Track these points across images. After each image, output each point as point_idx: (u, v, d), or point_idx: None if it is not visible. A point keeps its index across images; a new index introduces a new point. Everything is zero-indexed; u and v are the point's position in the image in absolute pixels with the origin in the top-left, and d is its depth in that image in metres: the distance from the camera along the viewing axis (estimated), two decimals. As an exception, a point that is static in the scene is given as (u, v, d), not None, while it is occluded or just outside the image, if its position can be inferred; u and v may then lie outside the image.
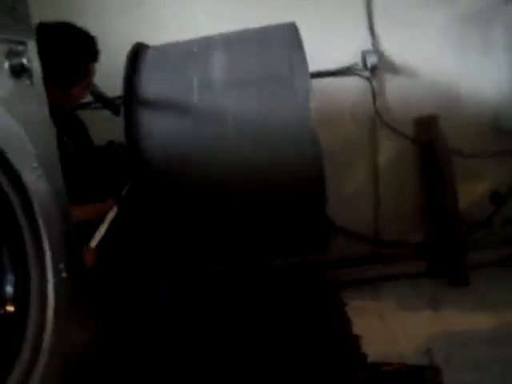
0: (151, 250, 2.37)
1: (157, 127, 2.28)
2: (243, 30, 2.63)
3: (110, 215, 2.30)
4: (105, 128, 2.81)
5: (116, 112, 2.40)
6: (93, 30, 3.42)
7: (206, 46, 2.50)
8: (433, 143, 3.63)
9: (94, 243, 2.15)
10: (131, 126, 2.25)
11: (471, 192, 3.83)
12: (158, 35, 3.36)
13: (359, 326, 3.25)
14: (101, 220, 2.24)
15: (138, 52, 2.49)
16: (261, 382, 2.61)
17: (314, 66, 3.51)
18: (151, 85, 2.35)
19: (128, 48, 3.30)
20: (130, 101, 2.29)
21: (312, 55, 3.54)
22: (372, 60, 3.53)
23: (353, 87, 3.66)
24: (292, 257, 3.05)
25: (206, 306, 2.90)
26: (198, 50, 2.48)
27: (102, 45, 3.29)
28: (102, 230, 2.22)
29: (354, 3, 3.55)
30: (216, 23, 3.42)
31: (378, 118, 3.68)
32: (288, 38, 2.43)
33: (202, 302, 2.88)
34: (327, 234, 2.64)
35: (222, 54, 2.41)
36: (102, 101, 2.41)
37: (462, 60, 3.62)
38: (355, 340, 3.06)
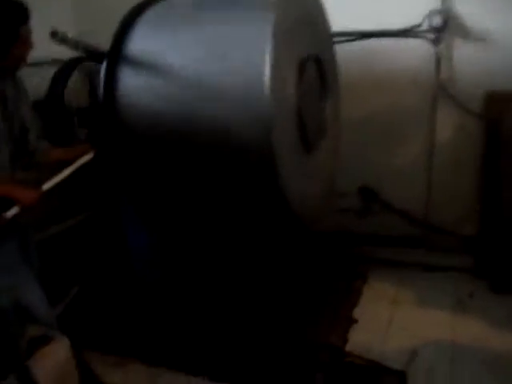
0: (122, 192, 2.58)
1: (133, 84, 2.40)
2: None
3: (82, 160, 2.45)
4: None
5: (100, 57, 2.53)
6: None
7: (196, 5, 2.49)
8: (501, 123, 3.08)
9: (46, 186, 2.28)
10: (110, 82, 2.41)
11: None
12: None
13: (366, 309, 3.09)
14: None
15: (140, 8, 2.57)
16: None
17: (374, 24, 3.27)
18: (138, 42, 2.44)
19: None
20: (114, 56, 2.43)
21: (373, 13, 3.28)
22: (436, 21, 3.06)
23: (416, 51, 3.24)
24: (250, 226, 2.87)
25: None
26: (190, 12, 2.48)
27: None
28: (64, 174, 2.36)
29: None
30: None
31: (440, 88, 3.22)
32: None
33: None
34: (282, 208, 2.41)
35: (207, 16, 2.37)
36: (88, 53, 2.55)
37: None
38: (347, 323, 2.93)
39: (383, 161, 3.51)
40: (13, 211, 2.13)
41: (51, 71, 3.01)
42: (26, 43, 2.14)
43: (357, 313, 3.06)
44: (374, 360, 2.57)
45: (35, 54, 2.35)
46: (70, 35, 2.33)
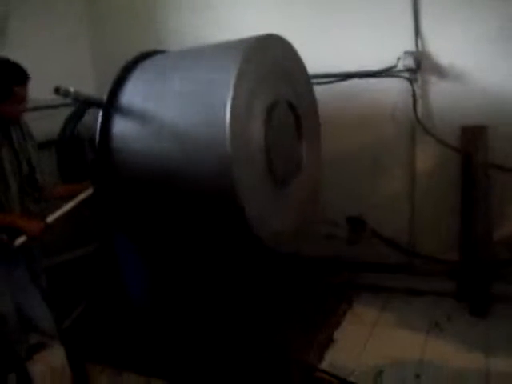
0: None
1: (124, 131, 2.80)
2: (222, 42, 2.90)
3: (82, 195, 2.82)
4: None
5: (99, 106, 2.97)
6: (167, 27, 4.08)
7: (180, 57, 2.88)
8: (474, 155, 3.25)
9: (50, 219, 2.66)
10: (105, 129, 2.82)
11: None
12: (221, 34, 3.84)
13: (346, 331, 3.31)
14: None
15: (136, 61, 2.99)
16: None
17: (355, 66, 3.55)
18: (129, 93, 2.85)
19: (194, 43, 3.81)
20: (109, 106, 2.85)
21: (353, 54, 3.58)
22: (410, 61, 3.31)
23: (394, 90, 3.49)
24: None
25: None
26: (173, 63, 2.87)
27: (175, 40, 3.92)
28: (65, 209, 2.75)
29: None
30: (269, 24, 3.69)
31: (417, 123, 3.44)
32: (235, 54, 2.59)
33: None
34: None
35: (185, 67, 2.76)
36: (89, 103, 2.98)
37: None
38: (326, 343, 3.15)
39: (369, 192, 3.75)
40: (21, 239, 2.52)
41: (59, 114, 3.46)
42: (18, 103, 2.46)
43: (337, 334, 3.28)
44: (341, 377, 2.80)
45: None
46: (71, 89, 2.77)
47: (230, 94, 2.43)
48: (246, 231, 2.61)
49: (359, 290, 3.71)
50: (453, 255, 3.52)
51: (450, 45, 3.28)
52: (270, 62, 2.82)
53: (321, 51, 3.52)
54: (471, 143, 3.29)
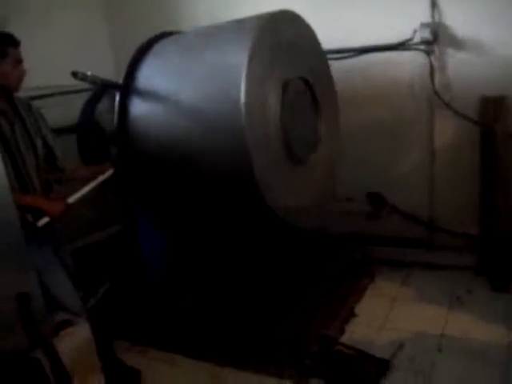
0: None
1: (140, 112, 2.84)
2: (236, 20, 2.89)
3: (102, 176, 2.85)
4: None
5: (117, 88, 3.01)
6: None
7: (195, 37, 2.89)
8: (495, 126, 3.20)
9: (71, 199, 2.71)
10: (123, 110, 2.86)
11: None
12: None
13: (367, 305, 3.34)
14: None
15: (151, 42, 3.01)
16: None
17: (369, 39, 3.50)
18: (145, 74, 2.88)
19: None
20: (125, 87, 2.88)
21: (369, 27, 3.53)
22: (427, 33, 3.25)
23: (411, 63, 3.44)
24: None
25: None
26: (188, 43, 2.88)
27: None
28: (86, 189, 2.80)
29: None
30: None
31: (436, 96, 3.40)
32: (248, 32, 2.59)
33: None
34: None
35: (199, 47, 2.77)
36: (106, 86, 3.03)
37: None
38: (347, 316, 3.18)
39: (388, 167, 3.73)
40: (44, 220, 2.59)
41: (73, 100, 3.52)
42: (15, 64, 2.49)
43: (358, 308, 3.31)
44: (360, 349, 2.82)
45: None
46: (88, 73, 2.81)
47: (244, 70, 2.44)
48: (261, 203, 2.64)
49: (380, 264, 3.72)
50: (473, 229, 3.50)
51: (467, 15, 3.21)
52: (284, 39, 2.81)
53: (335, 26, 3.49)
54: (491, 114, 3.24)
